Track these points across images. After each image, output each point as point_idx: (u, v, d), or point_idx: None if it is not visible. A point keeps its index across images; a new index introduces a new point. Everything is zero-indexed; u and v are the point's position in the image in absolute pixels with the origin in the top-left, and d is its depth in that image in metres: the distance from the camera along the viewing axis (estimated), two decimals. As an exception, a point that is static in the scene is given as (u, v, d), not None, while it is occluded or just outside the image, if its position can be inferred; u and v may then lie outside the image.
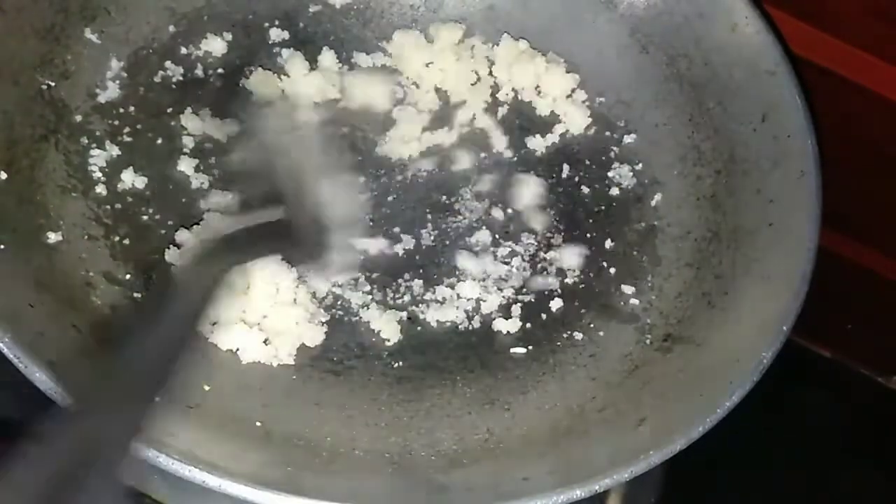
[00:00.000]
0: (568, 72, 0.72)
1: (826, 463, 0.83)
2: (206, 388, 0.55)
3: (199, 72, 0.68)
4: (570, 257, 0.66)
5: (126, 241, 0.60)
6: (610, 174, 0.70)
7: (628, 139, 0.71)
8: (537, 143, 0.71)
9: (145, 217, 0.62)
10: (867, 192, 0.80)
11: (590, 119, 0.71)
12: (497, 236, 0.67)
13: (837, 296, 0.75)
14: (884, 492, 0.82)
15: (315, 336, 0.60)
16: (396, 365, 0.60)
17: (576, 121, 0.71)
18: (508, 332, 0.63)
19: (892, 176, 0.79)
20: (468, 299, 0.64)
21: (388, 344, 0.61)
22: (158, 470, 0.47)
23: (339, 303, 0.62)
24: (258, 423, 0.54)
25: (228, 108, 0.67)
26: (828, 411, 0.85)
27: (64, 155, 0.61)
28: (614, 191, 0.69)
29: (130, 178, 0.62)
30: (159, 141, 0.65)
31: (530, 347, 0.62)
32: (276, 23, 0.71)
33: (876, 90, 0.74)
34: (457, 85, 0.72)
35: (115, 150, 0.63)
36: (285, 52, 0.70)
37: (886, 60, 0.72)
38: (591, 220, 0.68)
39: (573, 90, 0.72)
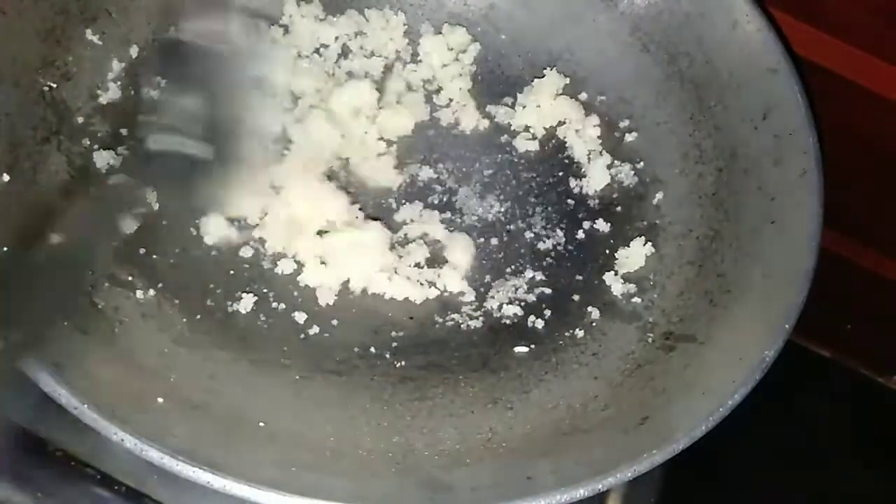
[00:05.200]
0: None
1: (826, 463, 0.83)
2: (211, 387, 0.55)
3: (200, 72, 0.68)
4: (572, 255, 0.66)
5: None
6: (611, 172, 0.70)
7: (629, 137, 0.71)
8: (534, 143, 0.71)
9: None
10: (867, 192, 0.80)
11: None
12: (498, 234, 0.67)
13: (837, 296, 0.75)
14: (884, 492, 0.82)
15: None
16: (399, 364, 0.60)
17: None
18: (510, 330, 0.63)
19: (892, 176, 0.79)
20: (470, 298, 0.64)
21: (390, 344, 0.61)
22: (158, 470, 0.47)
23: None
24: (262, 424, 0.54)
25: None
26: (828, 411, 0.85)
27: (66, 156, 0.60)
28: (616, 189, 0.69)
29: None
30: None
31: (532, 346, 0.62)
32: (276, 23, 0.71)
33: (876, 90, 0.74)
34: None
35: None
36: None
37: (886, 60, 0.72)
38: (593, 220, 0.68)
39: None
